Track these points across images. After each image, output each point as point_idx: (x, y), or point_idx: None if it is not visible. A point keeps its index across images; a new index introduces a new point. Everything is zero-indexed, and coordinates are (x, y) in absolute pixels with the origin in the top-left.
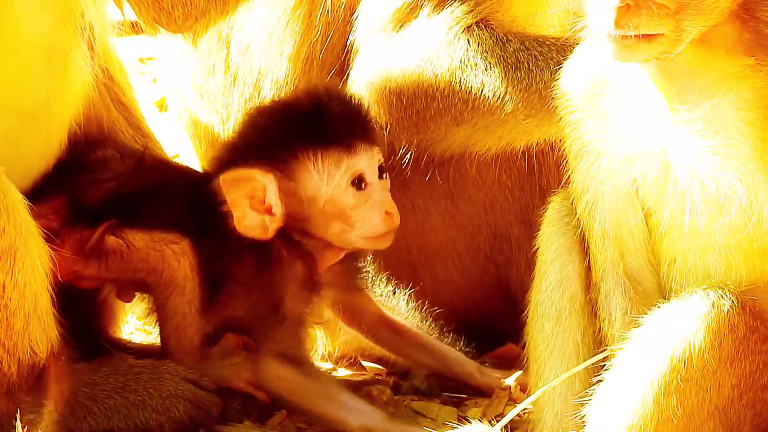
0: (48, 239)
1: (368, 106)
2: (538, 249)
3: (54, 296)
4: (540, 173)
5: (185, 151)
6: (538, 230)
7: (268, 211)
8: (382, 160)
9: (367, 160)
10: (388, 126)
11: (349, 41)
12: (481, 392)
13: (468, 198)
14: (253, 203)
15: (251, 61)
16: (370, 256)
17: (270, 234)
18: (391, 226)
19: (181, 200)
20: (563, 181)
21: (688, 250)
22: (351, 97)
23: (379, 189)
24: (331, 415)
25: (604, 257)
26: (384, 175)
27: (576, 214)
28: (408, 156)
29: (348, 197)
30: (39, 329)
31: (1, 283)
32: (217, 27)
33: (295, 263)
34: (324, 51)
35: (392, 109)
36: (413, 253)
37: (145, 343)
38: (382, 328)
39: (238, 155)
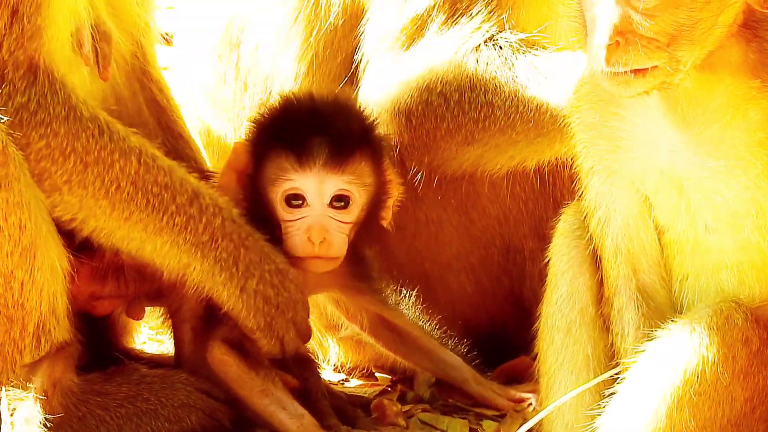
0: None
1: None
2: (549, 261)
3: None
4: (554, 185)
5: None
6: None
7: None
8: (348, 191)
9: (314, 182)
10: (398, 146)
11: (356, 55)
12: (479, 403)
13: (481, 210)
14: (240, 177)
15: (260, 65)
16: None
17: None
18: (312, 253)
19: None
20: (577, 194)
21: (700, 268)
22: (340, 113)
23: (317, 214)
24: (269, 413)
25: (617, 273)
26: (340, 204)
27: (588, 228)
28: (420, 175)
29: (280, 208)
30: (53, 330)
31: (20, 281)
32: (228, 29)
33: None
34: (329, 54)
35: (402, 129)
36: (426, 265)
37: (158, 353)
38: (381, 328)
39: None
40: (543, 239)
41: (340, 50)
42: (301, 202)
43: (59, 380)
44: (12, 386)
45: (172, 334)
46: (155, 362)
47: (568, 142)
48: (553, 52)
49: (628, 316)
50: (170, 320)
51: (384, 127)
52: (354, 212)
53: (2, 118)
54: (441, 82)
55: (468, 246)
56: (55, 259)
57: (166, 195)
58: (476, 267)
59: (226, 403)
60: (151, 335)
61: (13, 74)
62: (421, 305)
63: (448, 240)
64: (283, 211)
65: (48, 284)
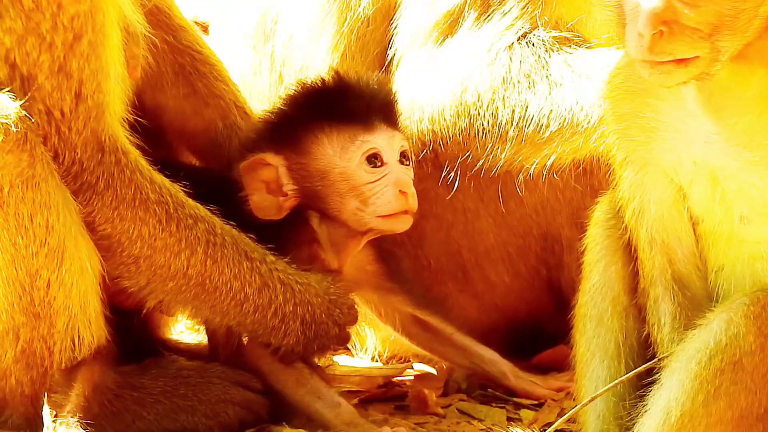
0: None
1: (396, 96)
2: (584, 251)
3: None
4: (591, 173)
5: None
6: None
7: (281, 191)
8: (407, 147)
9: (385, 140)
10: (432, 143)
11: (390, 50)
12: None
13: (518, 199)
14: (270, 187)
15: (294, 56)
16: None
17: (283, 213)
18: (405, 206)
19: (203, 195)
20: (613, 182)
21: (736, 258)
22: (376, 79)
23: (397, 169)
24: (305, 403)
25: (652, 263)
26: (407, 163)
27: (622, 218)
28: (454, 172)
29: (361, 172)
30: (85, 331)
31: (46, 281)
32: (263, 19)
33: (301, 248)
34: (361, 46)
35: (436, 127)
36: (464, 254)
37: (195, 342)
38: (415, 327)
39: (256, 139)
40: (580, 228)
41: (373, 42)
42: (379, 162)
43: (98, 384)
44: (53, 392)
45: (205, 327)
46: (191, 353)
47: (604, 139)
48: (587, 49)
49: (664, 306)
50: None
51: (418, 125)
52: (412, 171)
53: (30, 118)
54: (474, 81)
55: (505, 235)
56: (85, 259)
57: (235, 284)
58: (513, 256)
59: (262, 394)
60: (188, 325)
61: (82, 154)
62: (459, 295)
63: (485, 229)
64: (366, 174)
65: (77, 284)
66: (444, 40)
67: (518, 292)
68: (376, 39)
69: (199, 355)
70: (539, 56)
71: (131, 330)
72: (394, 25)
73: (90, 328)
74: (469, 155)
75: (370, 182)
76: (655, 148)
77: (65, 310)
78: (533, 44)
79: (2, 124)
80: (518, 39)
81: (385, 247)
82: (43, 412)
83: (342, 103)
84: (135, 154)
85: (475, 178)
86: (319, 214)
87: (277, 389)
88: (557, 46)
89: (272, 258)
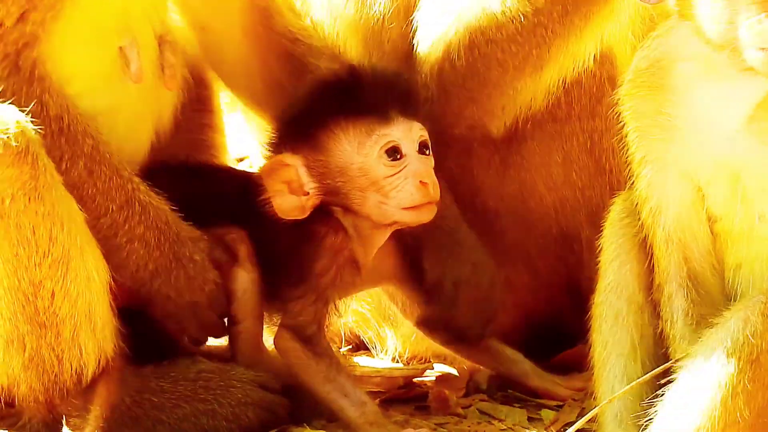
0: None
1: (411, 83)
2: (600, 250)
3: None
4: (610, 172)
5: (254, 153)
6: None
7: (303, 190)
8: (426, 137)
9: (402, 131)
10: (440, 98)
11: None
12: (539, 394)
13: (538, 199)
14: (292, 187)
15: None
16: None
17: (306, 213)
18: (428, 197)
19: (227, 195)
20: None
21: (755, 257)
22: (391, 71)
23: (416, 160)
24: (331, 399)
25: (668, 261)
26: (427, 152)
27: (639, 216)
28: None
29: (380, 166)
30: (91, 341)
31: (50, 291)
32: None
33: (327, 237)
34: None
35: (446, 77)
36: None
37: (217, 344)
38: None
39: (274, 139)
40: (600, 227)
41: (389, 42)
42: (398, 155)
43: (115, 402)
44: (71, 416)
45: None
46: (213, 355)
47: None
48: None
49: (677, 302)
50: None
51: (432, 82)
52: (432, 160)
53: (38, 129)
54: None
55: (524, 235)
56: (92, 269)
57: (99, 198)
58: (533, 256)
59: (282, 395)
60: None
61: None
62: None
63: (504, 229)
64: (385, 168)
65: (83, 294)
66: None
67: (538, 292)
68: (392, 40)
69: (220, 357)
70: None
71: (151, 329)
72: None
73: (96, 338)
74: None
75: (390, 176)
76: (674, 147)
77: (71, 320)
78: None
79: (1, 139)
80: None
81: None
82: None
83: (357, 97)
84: (52, 81)
85: (496, 176)
86: (342, 209)
87: (304, 383)
88: None
89: (138, 180)
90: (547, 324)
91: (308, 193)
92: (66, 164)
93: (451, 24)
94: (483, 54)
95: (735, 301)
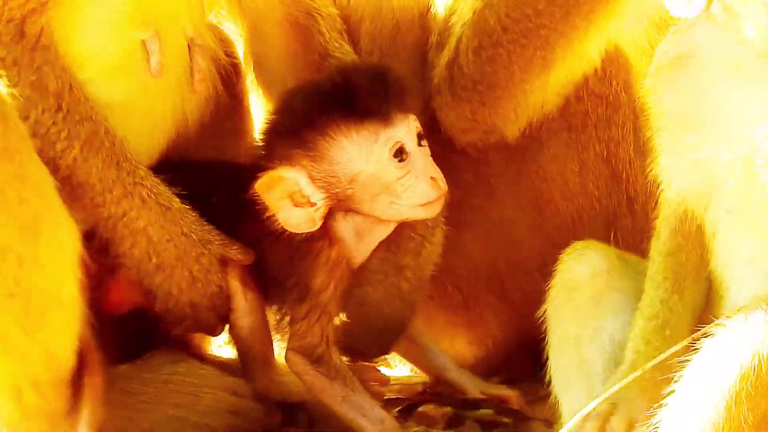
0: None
1: (401, 75)
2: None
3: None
4: (627, 182)
5: None
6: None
7: (309, 202)
8: (420, 127)
9: (404, 130)
10: (453, 104)
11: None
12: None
13: (555, 209)
14: (296, 200)
15: None
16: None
17: (318, 223)
18: (439, 192)
19: (222, 197)
20: (649, 189)
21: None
22: (381, 67)
23: (420, 156)
24: (350, 419)
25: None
26: (423, 143)
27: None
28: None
29: (391, 170)
30: (60, 316)
31: (17, 254)
32: None
33: (322, 253)
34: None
35: (456, 82)
36: (501, 265)
37: (233, 357)
38: None
39: (266, 151)
40: (616, 237)
41: (404, 48)
42: (404, 155)
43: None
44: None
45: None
46: (229, 368)
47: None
48: None
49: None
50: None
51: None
52: (428, 149)
53: (10, 90)
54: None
55: (541, 245)
56: (64, 236)
57: (98, 186)
58: (550, 266)
59: (254, 400)
60: (227, 340)
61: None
62: (496, 305)
63: (521, 239)
64: (395, 170)
65: (52, 262)
66: None
67: None
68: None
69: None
70: None
71: (134, 331)
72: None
73: (66, 315)
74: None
75: (401, 177)
76: (697, 142)
77: (38, 287)
78: None
79: None
80: None
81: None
82: None
83: (355, 101)
84: (57, 54)
85: (512, 185)
86: (347, 211)
87: (323, 403)
88: None
89: (144, 174)
90: None
91: (315, 204)
92: (62, 145)
93: (459, 28)
94: (490, 57)
95: (731, 297)
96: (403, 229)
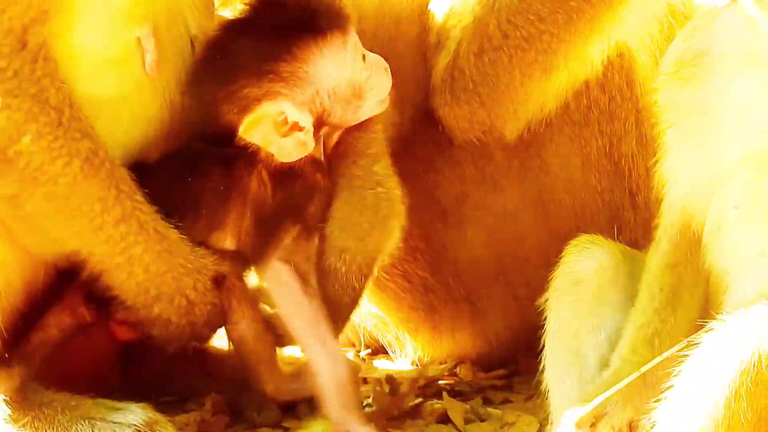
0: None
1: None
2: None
3: None
4: (629, 176)
5: None
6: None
7: (296, 127)
8: None
9: (354, 34)
10: (453, 103)
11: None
12: None
13: (558, 203)
14: (279, 129)
15: None
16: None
17: (311, 145)
18: (391, 80)
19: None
20: (652, 183)
21: None
22: None
23: (371, 53)
24: (308, 344)
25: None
26: None
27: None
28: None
29: (362, 72)
30: None
31: None
32: None
33: (314, 178)
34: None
35: (457, 83)
36: (506, 260)
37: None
38: None
39: (239, 96)
40: (620, 231)
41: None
42: (364, 53)
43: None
44: None
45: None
46: (226, 360)
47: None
48: None
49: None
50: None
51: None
52: None
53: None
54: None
55: (545, 240)
56: None
57: (96, 206)
58: (554, 261)
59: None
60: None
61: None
62: (501, 300)
63: (526, 234)
64: (364, 71)
65: None
66: None
67: None
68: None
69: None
70: None
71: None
72: None
73: None
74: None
75: (369, 76)
76: (707, 137)
77: None
78: None
79: None
80: None
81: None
82: None
83: (314, 18)
84: (57, 67)
85: (516, 180)
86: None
87: (288, 321)
88: None
89: (141, 200)
90: None
91: (303, 128)
92: (63, 161)
93: (459, 31)
94: (491, 60)
95: (729, 294)
96: (353, 209)
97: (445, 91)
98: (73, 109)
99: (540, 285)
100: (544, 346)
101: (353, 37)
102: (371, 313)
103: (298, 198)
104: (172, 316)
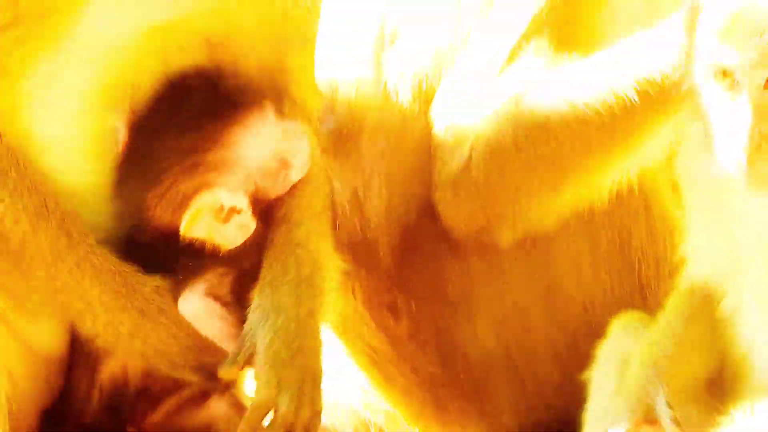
0: None
1: None
2: None
3: None
4: (639, 271)
5: None
6: None
7: (234, 210)
8: None
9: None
10: (452, 202)
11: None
12: None
13: (567, 297)
14: (218, 217)
15: None
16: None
17: (253, 224)
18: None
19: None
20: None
21: None
22: (200, 67)
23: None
24: None
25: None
26: None
27: None
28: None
29: (283, 141)
30: None
31: None
32: None
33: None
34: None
35: (460, 186)
36: (514, 353)
37: None
38: None
39: (167, 186)
40: None
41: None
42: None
43: None
44: None
45: None
46: None
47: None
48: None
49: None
50: None
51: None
52: None
53: None
54: (514, 121)
55: (554, 333)
56: None
57: (93, 291)
58: (563, 355)
59: None
60: None
61: None
62: (510, 393)
63: (534, 327)
64: (285, 140)
65: None
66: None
67: (569, 392)
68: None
69: None
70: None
71: None
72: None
73: None
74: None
75: (290, 143)
76: (722, 220)
77: None
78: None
79: None
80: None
81: None
82: None
83: (228, 97)
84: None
85: (525, 273)
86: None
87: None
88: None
89: (93, 244)
90: (575, 421)
91: (242, 210)
92: (10, 219)
93: (471, 134)
94: (500, 170)
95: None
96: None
97: (447, 188)
98: (18, 168)
99: (548, 379)
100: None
101: (269, 109)
102: (381, 408)
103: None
104: (158, 345)
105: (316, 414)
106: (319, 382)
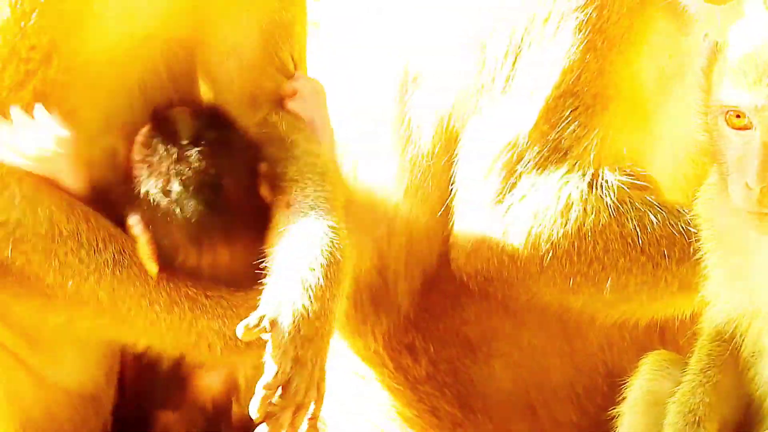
0: None
1: None
2: None
3: None
4: None
5: None
6: None
7: None
8: None
9: None
10: (496, 281)
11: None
12: None
13: (584, 337)
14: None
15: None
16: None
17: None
18: None
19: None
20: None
21: None
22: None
23: None
24: None
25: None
26: None
27: None
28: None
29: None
30: None
31: None
32: None
33: None
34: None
35: (503, 268)
36: (531, 394)
37: None
38: None
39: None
40: None
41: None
42: None
43: None
44: None
45: None
46: None
47: (689, 298)
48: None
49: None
50: None
51: (482, 263)
52: None
53: None
54: (547, 229)
55: (572, 374)
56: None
57: (143, 302)
58: (581, 396)
59: None
60: None
61: None
62: None
63: (551, 367)
64: None
65: None
66: (507, 176)
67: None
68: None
69: None
70: (616, 207)
71: None
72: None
73: None
74: (532, 298)
75: None
76: (738, 266)
77: None
78: (605, 190)
79: None
80: (588, 185)
81: None
82: None
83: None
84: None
85: (540, 314)
86: None
87: None
88: (628, 193)
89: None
90: None
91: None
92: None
93: (494, 242)
94: (509, 278)
95: None
96: None
97: (461, 250)
98: (92, 221)
99: (566, 419)
100: None
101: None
102: None
103: None
104: (177, 334)
105: (321, 398)
106: (325, 367)
